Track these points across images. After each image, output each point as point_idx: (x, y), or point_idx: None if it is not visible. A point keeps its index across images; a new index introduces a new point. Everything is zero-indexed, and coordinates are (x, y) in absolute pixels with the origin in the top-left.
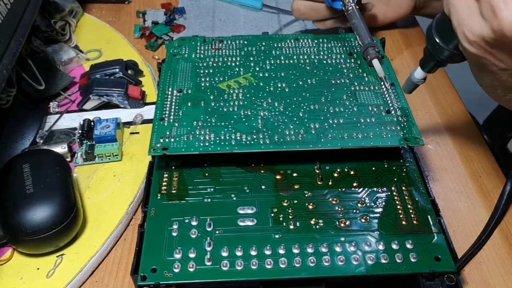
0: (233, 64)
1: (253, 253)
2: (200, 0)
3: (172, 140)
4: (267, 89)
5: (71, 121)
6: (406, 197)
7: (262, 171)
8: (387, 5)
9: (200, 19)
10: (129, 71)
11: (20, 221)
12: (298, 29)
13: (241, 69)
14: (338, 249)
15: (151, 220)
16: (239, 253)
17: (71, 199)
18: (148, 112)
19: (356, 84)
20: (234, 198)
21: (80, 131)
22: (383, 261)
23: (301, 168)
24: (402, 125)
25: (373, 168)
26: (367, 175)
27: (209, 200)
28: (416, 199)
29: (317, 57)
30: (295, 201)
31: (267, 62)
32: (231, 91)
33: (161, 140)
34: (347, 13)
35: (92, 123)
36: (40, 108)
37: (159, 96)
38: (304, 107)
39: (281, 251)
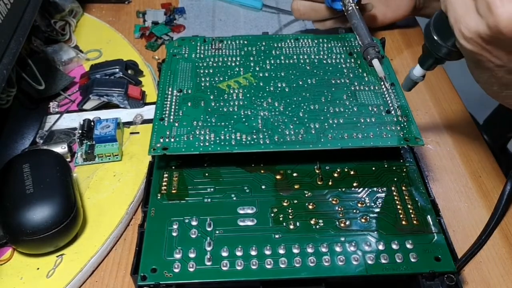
0: (233, 64)
1: (253, 253)
2: (200, 0)
3: (172, 140)
4: (267, 89)
5: (71, 121)
6: (406, 197)
7: (262, 171)
8: (386, 5)
9: (200, 19)
10: (129, 71)
11: (20, 221)
12: (298, 29)
13: (241, 69)
14: (338, 249)
15: (151, 220)
16: (239, 253)
17: (71, 199)
18: (148, 112)
19: (356, 84)
20: (234, 198)
21: (80, 131)
22: (383, 261)
23: (301, 168)
24: (402, 125)
25: (373, 168)
26: (367, 175)
27: (209, 200)
28: (416, 199)
29: (317, 57)
30: (295, 201)
31: (267, 62)
32: (231, 91)
33: (161, 140)
34: (347, 13)
35: (92, 123)
36: (40, 108)
37: (159, 96)
38: (304, 107)
39: (281, 251)
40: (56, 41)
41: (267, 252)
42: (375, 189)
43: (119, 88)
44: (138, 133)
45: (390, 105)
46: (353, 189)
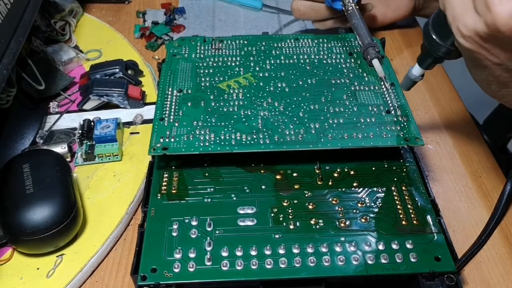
0: (233, 64)
1: (253, 253)
2: (200, 0)
3: (172, 140)
4: (267, 89)
5: (71, 121)
6: (406, 197)
7: (262, 171)
8: (386, 6)
9: (200, 19)
10: (129, 71)
11: (20, 221)
12: (298, 29)
13: (241, 69)
14: (338, 249)
15: (151, 220)
16: (239, 253)
17: (71, 199)
18: (148, 112)
19: (356, 84)
20: (234, 198)
21: (80, 131)
22: (383, 261)
23: (301, 168)
24: (402, 125)
25: (373, 168)
26: (367, 175)
27: (209, 200)
28: (416, 199)
29: (317, 57)
30: (295, 201)
31: (267, 62)
32: (231, 91)
33: (161, 140)
34: (347, 13)
35: (92, 123)
36: (40, 108)
37: (159, 96)
38: (304, 107)
39: (281, 251)
40: (56, 41)
41: (267, 252)
42: (375, 189)
43: (119, 88)
44: (138, 133)
45: (390, 105)
46: (353, 189)
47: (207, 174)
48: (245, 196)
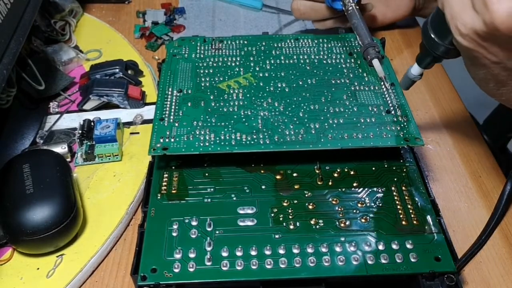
0: (233, 64)
1: (253, 253)
2: (200, 0)
3: (172, 140)
4: (267, 89)
5: (71, 121)
6: (406, 197)
7: (262, 171)
8: (386, 6)
9: (200, 19)
10: (129, 71)
11: (20, 221)
12: (298, 29)
13: (241, 69)
14: (338, 249)
15: (151, 220)
16: (239, 253)
17: (71, 199)
18: (148, 112)
19: (356, 84)
20: (234, 198)
21: (80, 131)
22: (383, 261)
23: (301, 168)
24: (402, 125)
25: (373, 168)
26: (367, 175)
27: (209, 200)
28: (416, 199)
29: (317, 57)
30: (295, 201)
31: (267, 62)
32: (231, 91)
33: (161, 140)
34: (347, 13)
35: (92, 123)
36: (40, 108)
37: (159, 96)
38: (304, 107)
39: (281, 251)
40: (56, 41)
41: (267, 252)
42: (375, 189)
43: (119, 88)
44: (138, 133)
45: (390, 105)
46: (353, 189)
47: (207, 174)
48: (245, 196)
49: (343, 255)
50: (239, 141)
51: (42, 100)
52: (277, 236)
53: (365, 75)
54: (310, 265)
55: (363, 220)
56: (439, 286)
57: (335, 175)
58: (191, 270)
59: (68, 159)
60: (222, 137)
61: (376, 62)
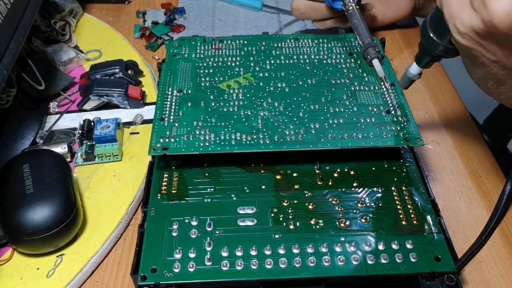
0: (233, 64)
1: (253, 253)
2: (200, 0)
3: (172, 140)
4: (267, 89)
5: (71, 121)
6: (406, 197)
7: (262, 171)
8: (386, 6)
9: (200, 19)
10: (129, 71)
11: (20, 221)
12: (298, 29)
13: (241, 69)
14: (338, 249)
15: (151, 220)
16: (239, 253)
17: (71, 199)
18: (148, 112)
19: (356, 84)
20: (234, 198)
21: (80, 131)
22: (383, 261)
23: (301, 168)
24: (402, 125)
25: (373, 168)
26: (367, 175)
27: (209, 200)
28: (416, 199)
29: (317, 57)
30: (295, 201)
31: (267, 62)
32: (231, 91)
33: (161, 140)
34: (347, 13)
35: (92, 123)
36: (40, 108)
37: (159, 96)
38: (304, 107)
39: (281, 251)
40: (56, 41)
41: (267, 252)
42: (375, 189)
43: (119, 88)
44: (138, 133)
45: (390, 105)
46: (353, 189)
47: (207, 174)
48: (245, 196)
49: (343, 255)
50: (239, 141)
51: (42, 100)
52: (277, 236)
53: (365, 75)
54: (310, 265)
55: (363, 220)
56: (439, 286)
57: (335, 175)
58: (191, 270)
59: (68, 159)
60: (222, 137)
61: (376, 62)
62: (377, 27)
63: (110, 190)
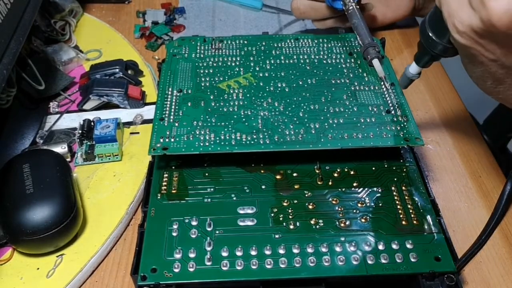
0: (233, 64)
1: (253, 253)
2: (200, 0)
3: (172, 140)
4: (267, 89)
5: (71, 121)
6: (406, 197)
7: (262, 171)
8: (386, 5)
9: (200, 19)
10: (129, 71)
11: (20, 221)
12: (298, 29)
13: (241, 69)
14: (338, 249)
15: (151, 220)
16: (239, 253)
17: (71, 199)
18: (148, 112)
19: (356, 84)
20: (234, 198)
21: (80, 131)
22: (383, 261)
23: (301, 168)
24: (402, 125)
25: (373, 168)
26: (367, 175)
27: (209, 200)
28: (416, 199)
29: (317, 57)
30: (295, 201)
31: (267, 62)
32: (231, 91)
33: (161, 140)
34: (348, 12)
35: (92, 123)
36: (40, 108)
37: (159, 96)
38: (304, 107)
39: (281, 251)
40: (56, 41)
41: (267, 252)
42: (375, 189)
43: (119, 88)
44: (138, 133)
45: (390, 105)
46: (353, 189)
47: (207, 174)
48: (245, 196)
49: (343, 255)
50: (239, 141)
51: (42, 100)
52: (277, 236)
53: (365, 75)
54: (310, 265)
55: (363, 220)
56: (439, 286)
57: (335, 175)
58: (191, 270)
59: (68, 159)
60: (222, 137)
61: (376, 62)
62: (377, 27)
63: (110, 190)
